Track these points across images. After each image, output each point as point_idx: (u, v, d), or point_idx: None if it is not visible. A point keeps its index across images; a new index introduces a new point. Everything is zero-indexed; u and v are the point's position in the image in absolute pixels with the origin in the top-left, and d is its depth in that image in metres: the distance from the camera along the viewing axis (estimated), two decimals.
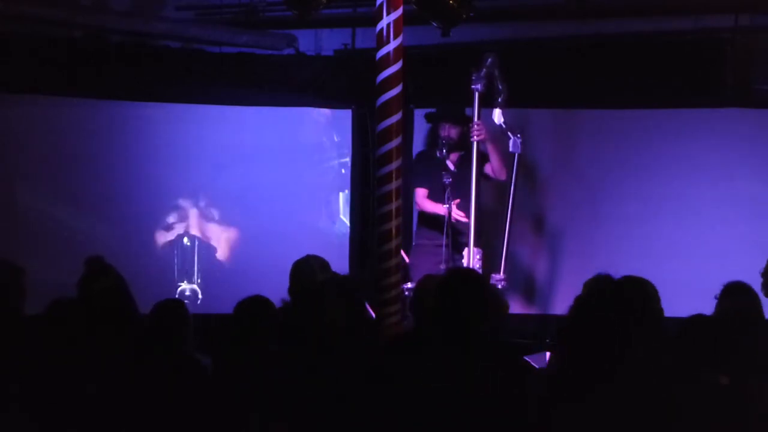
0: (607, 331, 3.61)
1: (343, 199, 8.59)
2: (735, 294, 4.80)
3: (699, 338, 3.80)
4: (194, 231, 8.38)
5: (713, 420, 3.50)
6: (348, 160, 8.54)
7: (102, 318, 4.39)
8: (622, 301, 4.43)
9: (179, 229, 8.36)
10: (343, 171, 8.57)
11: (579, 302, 4.03)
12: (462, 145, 7.15)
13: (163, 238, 8.32)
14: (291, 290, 5.28)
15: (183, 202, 8.37)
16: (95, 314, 4.39)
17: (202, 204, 8.40)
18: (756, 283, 5.46)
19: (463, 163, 7.08)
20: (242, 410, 4.03)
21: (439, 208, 7.01)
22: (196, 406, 4.07)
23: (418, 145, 7.91)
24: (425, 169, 7.23)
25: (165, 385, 4.15)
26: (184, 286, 8.28)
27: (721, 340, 3.75)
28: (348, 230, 8.52)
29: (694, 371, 3.67)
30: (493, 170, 7.13)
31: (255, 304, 4.43)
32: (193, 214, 8.38)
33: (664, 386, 3.59)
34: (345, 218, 8.58)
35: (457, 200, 6.88)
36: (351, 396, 3.92)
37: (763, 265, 5.62)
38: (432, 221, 7.21)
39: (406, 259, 7.01)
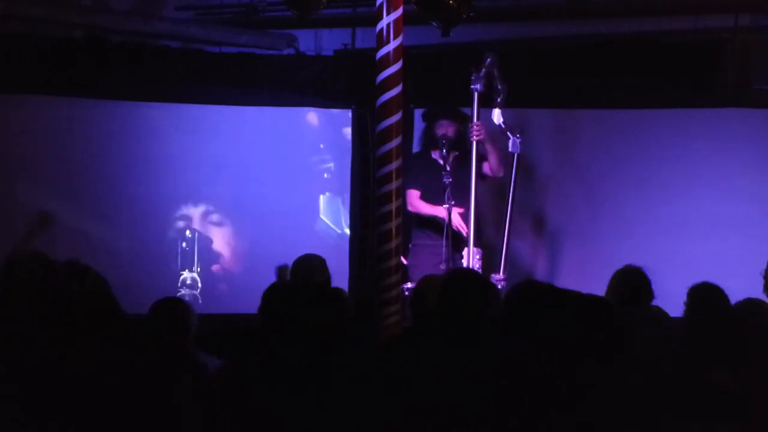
0: (606, 329, 3.61)
1: (342, 199, 8.59)
2: (703, 296, 4.80)
3: (701, 338, 3.80)
4: (194, 230, 8.38)
5: (715, 419, 3.50)
6: (348, 160, 8.54)
7: (84, 320, 4.39)
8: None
9: (179, 228, 8.36)
10: (326, 175, 8.58)
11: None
12: (459, 143, 7.14)
13: (163, 237, 8.32)
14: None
15: (183, 202, 8.37)
16: (77, 316, 4.39)
17: (202, 203, 8.40)
18: (757, 283, 5.46)
19: (459, 163, 7.05)
20: (244, 409, 4.03)
21: (438, 210, 6.99)
22: (195, 405, 4.06)
23: (418, 145, 7.91)
24: (418, 170, 7.17)
25: (162, 385, 4.14)
26: (186, 275, 8.28)
27: (723, 339, 3.76)
28: (348, 230, 8.52)
29: (696, 370, 3.67)
30: (491, 169, 7.14)
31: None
32: (192, 213, 8.38)
33: (666, 385, 3.59)
34: (344, 218, 8.58)
35: (462, 209, 6.86)
36: (349, 394, 3.92)
37: (764, 266, 5.61)
38: (429, 221, 7.19)
39: (404, 261, 6.99)
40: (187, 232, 8.36)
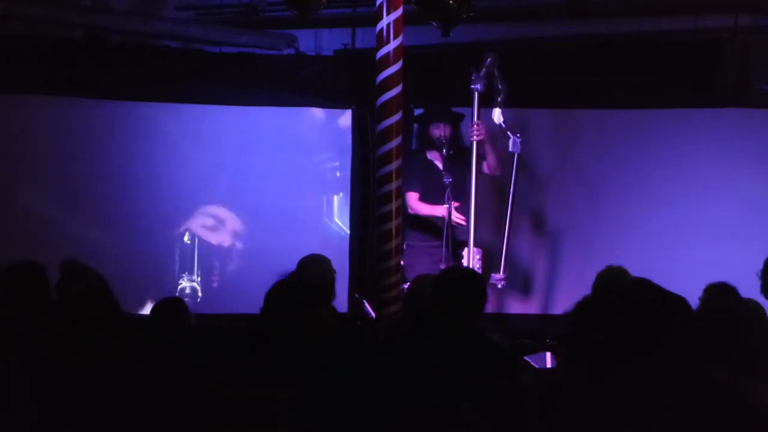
0: (609, 331, 3.60)
1: (342, 199, 8.58)
2: (718, 295, 4.78)
3: (700, 337, 3.79)
4: (194, 231, 8.38)
5: (714, 419, 3.50)
6: (348, 160, 8.54)
7: (83, 319, 4.39)
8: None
9: (179, 228, 8.35)
10: (338, 174, 8.57)
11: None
12: (456, 144, 7.15)
13: (162, 237, 8.31)
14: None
15: (183, 202, 8.36)
16: (76, 316, 4.39)
17: (201, 204, 8.40)
18: (756, 283, 5.46)
19: (456, 163, 7.05)
20: (242, 407, 4.04)
21: (438, 210, 7.00)
22: (196, 404, 4.07)
23: (413, 144, 7.90)
24: (415, 172, 7.16)
25: (162, 384, 4.14)
26: (185, 284, 8.27)
27: (723, 339, 3.75)
28: (347, 230, 8.52)
29: (696, 370, 3.67)
30: (489, 168, 7.15)
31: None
32: (192, 213, 8.38)
33: (665, 385, 3.59)
34: (344, 218, 8.57)
35: (457, 203, 6.88)
36: (345, 389, 3.94)
37: (761, 266, 5.60)
38: (424, 222, 7.19)
39: (401, 262, 6.99)
40: (186, 236, 8.36)
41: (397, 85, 5.69)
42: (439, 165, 7.13)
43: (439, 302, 4.03)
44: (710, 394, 3.51)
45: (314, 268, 5.36)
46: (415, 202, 7.19)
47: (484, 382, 3.79)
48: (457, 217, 6.90)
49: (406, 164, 7.14)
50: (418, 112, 7.73)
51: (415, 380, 3.83)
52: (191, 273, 8.34)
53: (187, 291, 8.26)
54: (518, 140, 6.99)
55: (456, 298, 3.99)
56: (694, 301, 4.64)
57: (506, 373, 3.86)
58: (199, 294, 8.31)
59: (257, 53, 8.55)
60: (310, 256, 5.48)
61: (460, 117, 7.18)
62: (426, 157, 7.29)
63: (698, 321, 3.90)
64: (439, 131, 7.17)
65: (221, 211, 8.38)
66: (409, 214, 7.17)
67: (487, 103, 6.93)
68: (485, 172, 7.15)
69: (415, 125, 7.60)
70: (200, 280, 8.34)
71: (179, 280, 8.30)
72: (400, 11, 5.68)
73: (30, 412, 4.02)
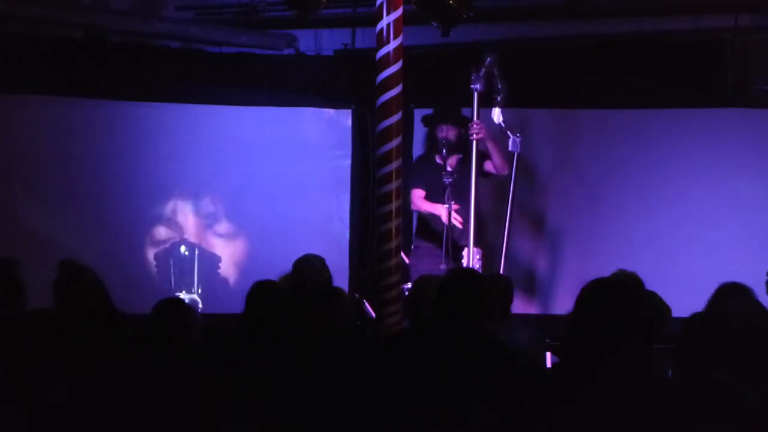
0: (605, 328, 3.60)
1: (342, 199, 8.58)
2: (730, 295, 4.76)
3: (699, 338, 3.79)
4: (194, 231, 8.38)
5: (713, 420, 3.50)
6: (348, 160, 8.54)
7: (79, 320, 4.40)
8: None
9: (179, 228, 8.36)
10: (338, 174, 8.57)
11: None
12: (460, 146, 7.16)
13: (163, 237, 8.32)
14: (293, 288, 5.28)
15: (183, 202, 8.37)
16: (72, 317, 4.40)
17: (202, 204, 8.40)
18: (756, 283, 5.45)
19: (462, 165, 7.08)
20: (242, 408, 4.04)
21: (436, 208, 7.02)
22: (196, 405, 4.06)
23: (417, 145, 7.92)
24: (423, 171, 7.24)
25: (164, 385, 4.14)
26: (185, 295, 8.27)
27: (722, 340, 3.75)
28: (348, 230, 8.52)
29: (695, 371, 3.67)
30: (495, 167, 7.14)
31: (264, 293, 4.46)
32: (193, 213, 8.38)
33: (663, 386, 3.59)
34: (344, 219, 8.57)
35: (457, 206, 6.89)
36: (346, 389, 3.94)
37: (765, 267, 5.57)
38: (431, 224, 7.22)
39: (406, 260, 7.02)
40: (186, 235, 8.36)
41: (397, 85, 5.69)
42: (447, 167, 7.14)
43: (441, 303, 4.03)
44: (711, 396, 3.52)
45: (310, 269, 5.36)
46: (418, 199, 7.22)
47: (485, 382, 3.79)
48: (455, 219, 6.91)
49: (415, 164, 7.22)
50: (427, 113, 7.73)
51: (415, 380, 3.84)
52: (191, 272, 8.33)
53: (187, 290, 8.27)
54: (518, 140, 6.99)
55: (457, 299, 3.99)
56: (695, 301, 4.66)
57: (507, 373, 3.86)
58: (199, 291, 8.31)
59: (257, 53, 8.55)
60: (305, 256, 5.49)
61: (466, 120, 7.19)
62: (434, 159, 7.31)
63: (703, 321, 3.91)
64: (443, 133, 7.18)
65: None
66: (413, 210, 7.22)
67: (487, 103, 6.93)
68: (491, 172, 7.15)
69: (426, 128, 7.61)
70: (200, 279, 8.34)
71: (179, 279, 8.30)
72: (400, 11, 5.68)
73: (28, 412, 4.02)
